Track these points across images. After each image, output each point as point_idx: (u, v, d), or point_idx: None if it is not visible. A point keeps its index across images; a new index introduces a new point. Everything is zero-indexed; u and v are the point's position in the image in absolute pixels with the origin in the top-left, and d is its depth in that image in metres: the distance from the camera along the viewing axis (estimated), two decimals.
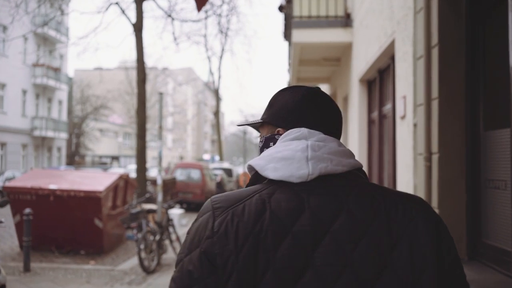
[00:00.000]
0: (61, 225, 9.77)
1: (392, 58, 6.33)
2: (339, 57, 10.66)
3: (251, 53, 55.79)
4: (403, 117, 5.00)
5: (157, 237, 8.09)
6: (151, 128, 64.96)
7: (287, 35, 13.37)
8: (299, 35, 8.81)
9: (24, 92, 35.49)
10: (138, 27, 15.06)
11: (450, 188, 3.72)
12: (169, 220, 8.77)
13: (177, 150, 79.81)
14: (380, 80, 7.30)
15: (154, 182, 16.34)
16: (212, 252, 1.09)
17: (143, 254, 7.77)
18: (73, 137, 44.84)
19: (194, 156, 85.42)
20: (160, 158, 8.76)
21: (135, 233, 7.93)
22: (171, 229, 8.90)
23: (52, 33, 36.39)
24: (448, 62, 3.74)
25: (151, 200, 15.33)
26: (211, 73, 32.62)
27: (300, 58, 10.79)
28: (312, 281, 1.06)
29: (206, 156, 70.88)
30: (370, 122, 8.11)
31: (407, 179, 4.78)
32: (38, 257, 9.36)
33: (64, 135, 40.05)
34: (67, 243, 9.95)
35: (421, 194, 4.05)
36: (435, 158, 3.81)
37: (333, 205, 1.12)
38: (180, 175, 20.37)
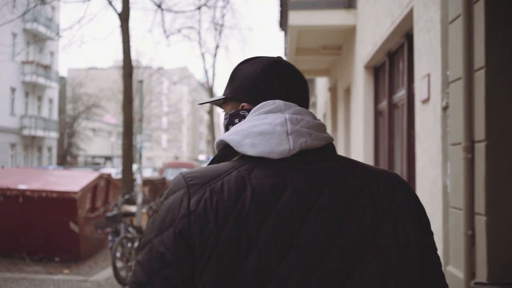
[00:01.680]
0: (33, 229, 8.80)
1: (407, 36, 5.39)
2: (340, 44, 9.72)
3: (246, 50, 54.81)
4: (426, 101, 4.06)
5: (136, 244, 7.13)
6: (145, 128, 64.32)
7: (283, 23, 12.42)
8: (296, 17, 7.87)
9: (13, 90, 34.42)
10: (124, 17, 14.08)
11: (502, 187, 2.78)
12: None
13: (172, 151, 78.93)
14: (390, 64, 6.36)
15: (143, 182, 15.36)
16: (189, 232, 1.02)
17: (118, 264, 6.81)
18: (65, 137, 43.78)
19: (189, 156, 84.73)
20: (140, 155, 7.79)
21: (110, 239, 6.96)
22: None
23: (42, 29, 35.30)
24: (499, 17, 2.80)
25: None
26: (205, 70, 31.64)
27: (297, 46, 9.85)
28: (297, 261, 1.01)
29: (202, 157, 70.02)
30: (377, 114, 7.17)
31: (433, 176, 3.84)
32: (6, 265, 8.40)
33: (54, 135, 38.99)
34: (40, 249, 8.98)
35: (459, 195, 3.12)
36: (480, 147, 2.87)
37: (316, 181, 1.07)
38: (170, 175, 19.40)
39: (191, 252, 1.01)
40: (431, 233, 1.15)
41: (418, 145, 4.36)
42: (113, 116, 61.99)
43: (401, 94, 5.82)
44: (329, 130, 12.07)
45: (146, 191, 15.50)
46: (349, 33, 8.40)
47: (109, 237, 6.98)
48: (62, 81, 44.91)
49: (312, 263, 1.02)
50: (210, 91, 31.87)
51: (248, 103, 1.19)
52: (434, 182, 3.81)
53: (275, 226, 1.02)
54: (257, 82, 1.20)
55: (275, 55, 1.30)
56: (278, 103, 1.15)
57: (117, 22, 13.72)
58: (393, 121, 6.27)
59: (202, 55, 31.36)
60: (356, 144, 7.87)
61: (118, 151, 61.93)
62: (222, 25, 30.67)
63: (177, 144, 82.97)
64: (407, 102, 5.36)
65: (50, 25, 36.69)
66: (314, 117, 1.17)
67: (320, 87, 15.24)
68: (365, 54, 7.04)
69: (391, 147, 6.30)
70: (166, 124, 76.23)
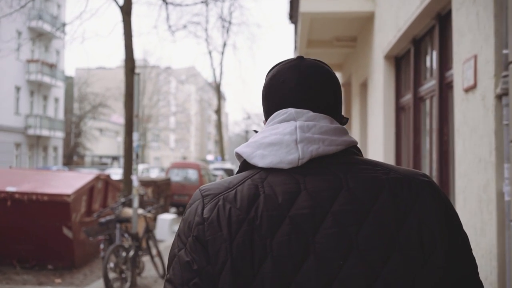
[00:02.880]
0: (23, 235, 8.14)
1: (438, 17, 4.66)
2: (355, 36, 8.99)
3: (254, 48, 54.00)
4: (471, 89, 3.34)
5: (131, 253, 6.44)
6: (153, 128, 63.88)
7: (293, 15, 11.70)
8: (308, 3, 7.16)
9: (18, 89, 33.93)
10: (126, 11, 13.40)
11: None
12: (148, 231, 7.11)
13: (179, 151, 78.46)
14: (415, 52, 5.63)
15: (145, 183, 14.71)
16: (204, 239, 1.03)
17: (111, 275, 6.13)
18: (72, 137, 43.28)
19: (197, 156, 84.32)
20: (136, 154, 7.11)
21: (102, 248, 6.28)
22: (151, 242, 7.23)
23: (47, 27, 34.76)
24: None
25: (140, 203, 13.69)
26: (212, 68, 30.98)
27: (309, 38, 9.14)
28: (315, 268, 0.98)
29: (210, 157, 69.45)
30: (399, 109, 6.44)
31: (483, 182, 3.11)
32: None
33: (60, 134, 38.47)
34: (32, 256, 8.32)
35: None
36: None
37: (331, 185, 1.04)
38: (175, 175, 18.72)
39: (209, 258, 1.01)
40: (464, 235, 1.07)
41: (458, 143, 3.63)
42: (120, 116, 61.54)
43: (430, 85, 5.09)
44: None
45: (149, 193, 14.85)
46: (366, 21, 7.67)
47: (101, 246, 6.29)
48: (69, 80, 44.44)
49: (330, 270, 0.97)
50: (218, 90, 31.23)
51: (265, 121, 1.20)
52: (484, 189, 3.08)
53: (289, 233, 0.99)
54: (264, 97, 1.19)
55: (296, 56, 1.22)
56: (290, 111, 1.11)
57: (119, 16, 13.02)
58: (419, 116, 5.54)
59: (209, 53, 30.66)
60: (375, 143, 7.14)
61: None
62: (230, 22, 30.03)
63: (185, 144, 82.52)
64: (439, 93, 4.63)
65: (56, 23, 36.17)
66: (332, 121, 1.12)
67: None
68: (386, 42, 6.31)
69: (417, 147, 5.58)
70: (174, 124, 75.72)
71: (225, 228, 1.01)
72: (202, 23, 34.22)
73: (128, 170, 13.28)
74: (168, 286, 1.04)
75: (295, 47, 11.82)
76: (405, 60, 6.28)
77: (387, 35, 6.24)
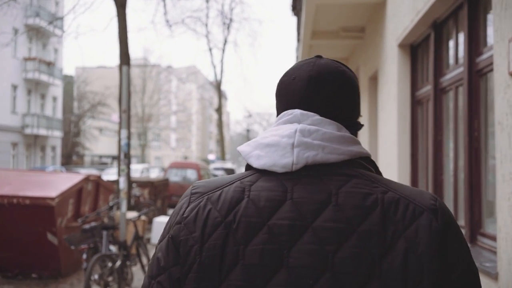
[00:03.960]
0: (5, 241, 7.52)
1: None
2: (363, 26, 8.34)
3: (256, 45, 53.18)
4: None
5: (118, 263, 5.79)
6: (154, 127, 63.31)
7: (296, 5, 11.04)
8: None
9: (15, 87, 33.34)
10: (120, 3, 12.80)
11: None
12: (138, 237, 6.46)
13: (180, 150, 77.88)
14: (436, 38, 4.98)
15: (141, 184, 14.08)
16: (178, 239, 1.01)
17: None
18: (71, 136, 42.66)
19: (198, 156, 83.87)
20: (125, 153, 6.45)
21: (84, 258, 5.63)
22: (141, 250, 6.58)
23: (45, 25, 34.09)
24: None
25: (135, 205, 13.06)
26: (213, 66, 30.31)
27: (313, 29, 8.48)
28: (284, 284, 0.92)
29: (211, 156, 68.88)
30: (415, 103, 5.79)
31: None
32: None
33: (58, 134, 37.86)
34: (14, 264, 7.71)
35: None
36: None
37: (319, 198, 0.96)
38: (174, 175, 18.08)
39: (178, 259, 0.99)
40: (467, 273, 0.94)
41: (501, 139, 2.98)
42: None
43: (455, 74, 4.44)
44: None
45: (146, 194, 14.21)
46: (376, 8, 7.02)
47: (84, 256, 5.65)
48: (68, 79, 43.85)
49: (301, 287, 0.91)
50: (218, 87, 30.60)
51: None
52: None
53: (264, 242, 0.95)
54: (275, 95, 1.16)
55: (314, 55, 1.15)
56: (296, 113, 1.06)
57: (114, 10, 12.38)
58: (441, 110, 4.89)
59: (210, 50, 30.00)
60: (386, 142, 6.49)
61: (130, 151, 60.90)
62: (230, 19, 29.40)
63: (186, 143, 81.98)
64: (468, 82, 3.98)
65: (53, 21, 35.52)
66: (339, 128, 1.04)
67: None
68: (401, 29, 5.66)
69: (438, 144, 4.92)
70: (174, 123, 75.12)
71: (199, 230, 0.99)
72: (203, 19, 33.55)
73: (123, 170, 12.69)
74: (146, 273, 1.07)
75: (298, 40, 11.16)
76: (423, 48, 5.63)
77: (402, 20, 5.58)
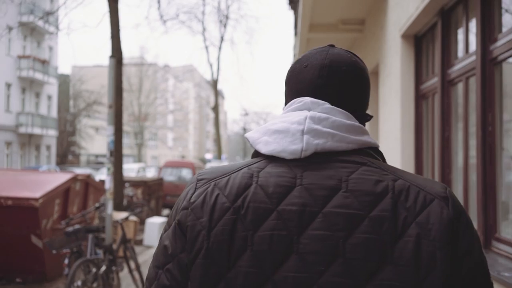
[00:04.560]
0: None
1: None
2: (363, 18, 7.99)
3: (252, 43, 52.71)
4: None
5: (103, 268, 5.42)
6: (150, 126, 62.86)
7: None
8: None
9: (8, 85, 32.89)
10: None
11: None
12: (125, 240, 6.09)
13: (177, 149, 77.47)
14: (443, 26, 4.62)
15: (134, 184, 13.71)
16: (185, 224, 0.99)
17: None
18: (66, 135, 42.21)
19: (196, 155, 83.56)
20: (111, 151, 6.08)
21: (65, 264, 5.25)
22: (129, 254, 6.20)
23: (40, 23, 33.66)
24: None
25: (128, 206, 12.69)
26: (209, 63, 29.92)
27: (311, 21, 8.13)
28: (294, 270, 0.91)
29: (209, 156, 68.41)
30: (420, 97, 5.44)
31: None
32: None
33: (53, 133, 37.41)
34: None
35: None
36: None
37: (329, 184, 0.95)
38: (169, 175, 17.70)
39: (187, 245, 0.97)
40: (479, 265, 0.93)
41: None
42: None
43: (465, 64, 4.09)
44: None
45: (139, 194, 13.84)
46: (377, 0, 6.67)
47: (66, 261, 5.27)
48: (64, 78, 43.40)
49: (310, 274, 0.90)
50: (215, 85, 30.21)
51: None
52: None
53: (273, 228, 0.93)
54: (285, 82, 1.15)
55: (327, 44, 1.15)
56: (306, 100, 1.05)
57: (106, 6, 11.99)
58: (449, 103, 4.53)
59: (206, 47, 29.58)
60: (388, 138, 6.14)
61: (123, 150, 60.42)
62: (227, 17, 29.02)
63: (183, 142, 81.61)
64: (481, 72, 3.62)
65: (48, 19, 35.09)
66: (349, 117, 1.04)
67: None
68: (404, 18, 5.30)
69: (446, 140, 4.56)
70: (171, 122, 74.71)
71: (207, 215, 0.97)
72: (199, 16, 33.16)
73: (115, 170, 12.30)
74: (151, 264, 1.05)
75: (295, 34, 10.80)
76: (428, 38, 5.27)
77: (406, 9, 5.23)
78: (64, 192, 7.79)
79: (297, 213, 0.93)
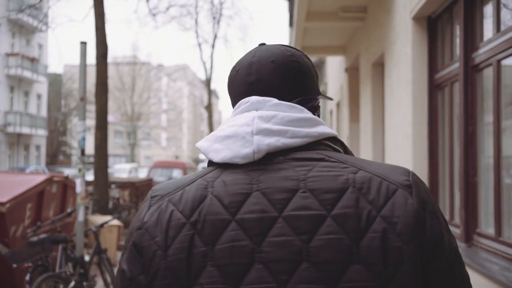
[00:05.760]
0: None
1: None
2: (365, 5, 7.32)
3: (247, 41, 51.98)
4: None
5: (72, 284, 4.71)
6: (143, 125, 62.04)
7: None
8: None
9: None
10: None
11: None
12: (100, 251, 5.38)
13: (171, 149, 76.67)
14: (467, 3, 3.94)
15: (121, 185, 12.99)
16: (140, 245, 0.95)
17: None
18: (57, 135, 41.38)
19: (190, 155, 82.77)
20: (82, 150, 5.36)
21: (27, 280, 4.54)
22: (103, 267, 5.49)
23: (29, 20, 32.82)
24: None
25: (114, 209, 11.98)
26: (202, 61, 29.20)
27: (308, 9, 7.46)
28: (259, 281, 0.87)
29: (203, 156, 67.56)
30: (434, 88, 4.77)
31: None
32: None
33: (42, 132, 36.57)
34: None
35: None
36: None
37: (286, 185, 0.91)
38: (159, 175, 16.99)
39: (144, 266, 0.93)
40: (448, 251, 0.89)
41: None
42: (110, 114, 59.74)
43: (495, 45, 3.43)
44: (346, 122, 9.66)
45: (126, 196, 13.12)
46: None
47: (27, 276, 4.56)
48: (55, 77, 42.57)
49: (277, 283, 0.86)
50: (208, 84, 29.52)
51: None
52: None
53: (233, 239, 0.89)
54: (228, 93, 1.12)
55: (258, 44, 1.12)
56: (252, 100, 1.01)
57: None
58: (475, 93, 3.86)
59: (199, 45, 28.89)
60: (396, 135, 5.46)
61: (116, 150, 59.87)
62: (221, 14, 28.35)
63: (177, 142, 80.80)
64: None
65: (38, 15, 34.24)
66: (301, 111, 1.00)
67: (332, 72, 12.79)
68: None
69: (470, 136, 3.88)
70: (165, 122, 73.89)
71: (162, 234, 0.93)
72: (192, 12, 32.44)
73: (100, 169, 11.58)
74: None
75: (291, 23, 10.11)
76: (445, 20, 4.60)
77: None
78: (37, 195, 7.06)
79: (256, 220, 0.89)
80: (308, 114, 0.99)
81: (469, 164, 3.85)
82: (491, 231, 3.64)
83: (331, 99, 1.16)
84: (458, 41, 4.14)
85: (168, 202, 0.95)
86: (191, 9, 31.41)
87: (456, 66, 4.15)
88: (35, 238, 4.84)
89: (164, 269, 0.90)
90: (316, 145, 0.97)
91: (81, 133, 5.30)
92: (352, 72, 9.38)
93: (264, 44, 1.09)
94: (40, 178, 7.34)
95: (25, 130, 33.67)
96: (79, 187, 5.17)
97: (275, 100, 0.99)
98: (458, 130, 4.11)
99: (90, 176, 20.37)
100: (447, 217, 4.48)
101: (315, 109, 1.07)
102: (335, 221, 0.86)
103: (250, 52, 1.08)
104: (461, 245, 3.88)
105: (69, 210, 5.45)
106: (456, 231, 4.11)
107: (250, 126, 0.95)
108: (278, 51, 1.05)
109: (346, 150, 1.03)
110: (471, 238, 3.81)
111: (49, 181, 7.39)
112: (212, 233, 0.90)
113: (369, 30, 7.21)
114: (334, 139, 1.01)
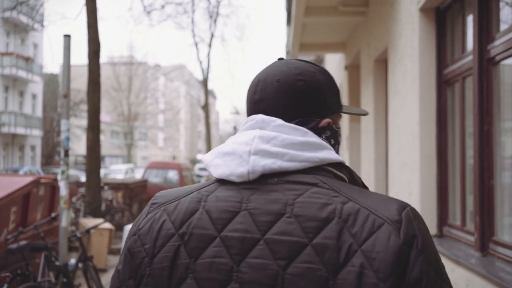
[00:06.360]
0: None
1: None
2: None
3: (244, 40, 51.56)
4: None
5: None
6: (140, 126, 61.64)
7: None
8: None
9: None
10: None
11: None
12: (86, 258, 5.04)
13: (168, 150, 76.29)
14: None
15: (114, 186, 12.65)
16: (132, 250, 0.98)
17: None
18: (53, 135, 40.98)
19: (187, 156, 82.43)
20: (66, 151, 5.02)
21: None
22: (89, 275, 5.15)
23: (23, 19, 32.40)
24: None
25: (107, 211, 11.64)
26: (199, 60, 28.88)
27: (307, 4, 7.13)
28: None
29: (200, 156, 67.35)
30: (443, 83, 4.45)
31: None
32: None
33: (38, 133, 36.16)
34: None
35: None
36: None
37: (274, 208, 0.91)
38: (154, 176, 16.63)
39: (133, 272, 0.97)
40: None
41: None
42: (105, 114, 59.38)
43: None
44: (346, 121, 9.33)
45: (119, 197, 12.78)
46: None
47: (4, 287, 4.22)
48: (50, 77, 42.19)
49: None
50: (205, 84, 29.18)
51: None
52: None
53: (215, 255, 0.90)
54: (247, 99, 1.10)
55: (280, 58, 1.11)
56: (257, 118, 1.01)
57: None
58: (490, 88, 3.53)
59: (196, 44, 28.53)
60: (401, 136, 5.14)
61: (110, 150, 59.48)
62: (217, 13, 28.03)
63: (174, 143, 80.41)
64: None
65: (32, 14, 33.82)
66: (303, 134, 0.98)
67: (331, 70, 12.46)
68: None
69: (486, 136, 3.55)
70: (162, 122, 73.49)
71: (151, 241, 0.95)
72: (188, 11, 32.07)
73: (92, 170, 11.23)
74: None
75: (288, 22, 9.79)
76: (455, 10, 4.28)
77: None
78: (23, 198, 6.72)
79: (238, 239, 0.90)
80: (312, 137, 0.97)
81: (485, 165, 3.53)
82: (509, 239, 3.33)
83: (358, 114, 1.11)
84: (471, 32, 3.82)
85: (163, 211, 0.98)
86: (188, 7, 31.02)
87: (469, 59, 3.82)
88: (14, 245, 4.50)
89: (148, 276, 0.92)
90: (315, 170, 0.95)
91: (64, 132, 4.96)
92: (352, 69, 9.06)
93: (282, 59, 1.08)
94: (26, 179, 7.00)
95: (20, 130, 33.27)
96: (63, 190, 4.83)
97: (279, 121, 0.98)
98: (470, 129, 3.79)
99: (82, 178, 20.02)
100: (458, 222, 4.16)
101: (322, 131, 1.02)
102: (314, 250, 0.85)
103: (266, 67, 1.07)
104: (475, 254, 3.57)
105: (53, 214, 5.11)
106: (469, 238, 3.79)
107: (249, 145, 0.95)
108: (286, 68, 1.03)
109: (353, 176, 1.00)
110: (487, 246, 3.49)
111: (36, 183, 7.05)
112: (197, 246, 0.91)
113: (371, 24, 6.89)
114: (339, 165, 0.99)
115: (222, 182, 0.98)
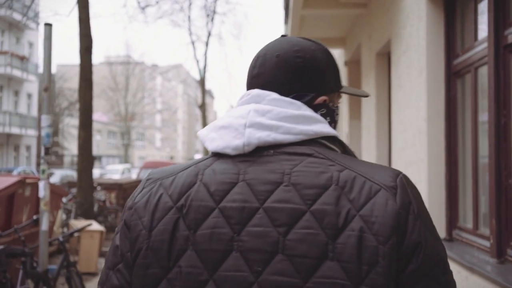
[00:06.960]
0: None
1: None
2: None
3: (241, 38, 51.23)
4: None
5: None
6: (138, 126, 61.24)
7: None
8: None
9: None
10: None
11: None
12: (69, 264, 4.71)
13: (165, 150, 75.91)
14: None
15: (107, 186, 12.31)
16: (129, 223, 0.98)
17: None
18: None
19: (185, 156, 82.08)
20: (47, 149, 4.69)
21: None
22: (73, 282, 4.80)
23: (18, 17, 32.00)
24: None
25: (100, 212, 11.29)
26: (196, 59, 28.52)
27: None
28: (234, 268, 0.88)
29: (198, 156, 67.01)
30: (453, 75, 4.12)
31: None
32: None
33: (33, 132, 35.76)
34: None
35: None
36: None
37: (271, 178, 0.92)
38: None
39: (130, 244, 0.97)
40: (429, 254, 0.87)
41: None
42: (101, 114, 58.98)
43: None
44: (346, 119, 9.01)
45: (112, 198, 12.43)
46: None
47: None
48: (41, 74, 41.74)
49: (250, 273, 0.87)
50: (202, 82, 28.84)
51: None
52: None
53: (214, 226, 0.91)
54: (247, 72, 1.12)
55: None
56: (252, 93, 1.03)
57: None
58: (508, 78, 3.21)
59: (193, 43, 28.18)
60: (406, 131, 4.82)
61: (107, 150, 59.12)
62: (214, 12, 27.72)
63: (171, 143, 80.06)
64: None
65: (28, 13, 33.45)
66: (298, 107, 0.99)
67: None
68: None
69: (502, 130, 3.23)
70: (159, 122, 73.13)
71: (148, 215, 0.96)
72: (185, 9, 31.74)
73: (84, 170, 10.88)
74: (102, 269, 1.02)
75: (287, 13, 9.46)
76: None
77: None
78: (7, 199, 6.41)
79: (237, 209, 0.91)
80: (306, 111, 0.99)
81: (501, 163, 3.20)
82: None
83: (358, 95, 1.13)
84: (484, 18, 3.50)
85: (159, 185, 0.98)
86: (184, 5, 30.67)
87: (483, 47, 3.50)
88: None
89: (146, 249, 0.92)
90: (310, 143, 0.96)
91: (45, 128, 4.62)
92: (352, 65, 8.75)
93: (285, 35, 1.09)
94: (11, 179, 6.69)
95: (15, 130, 32.87)
96: (42, 191, 4.50)
97: (274, 95, 1.00)
98: (484, 124, 3.46)
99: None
100: (469, 225, 3.84)
101: (317, 108, 1.03)
102: (313, 216, 0.86)
103: (268, 43, 1.08)
104: (490, 261, 3.24)
105: (34, 217, 4.78)
106: (483, 243, 3.47)
107: (244, 118, 0.97)
108: (287, 45, 1.04)
109: (346, 150, 1.02)
110: (505, 252, 3.17)
111: (21, 183, 6.74)
112: (196, 218, 0.92)
113: (373, 16, 6.56)
114: (332, 139, 1.00)
115: (218, 156, 0.99)
